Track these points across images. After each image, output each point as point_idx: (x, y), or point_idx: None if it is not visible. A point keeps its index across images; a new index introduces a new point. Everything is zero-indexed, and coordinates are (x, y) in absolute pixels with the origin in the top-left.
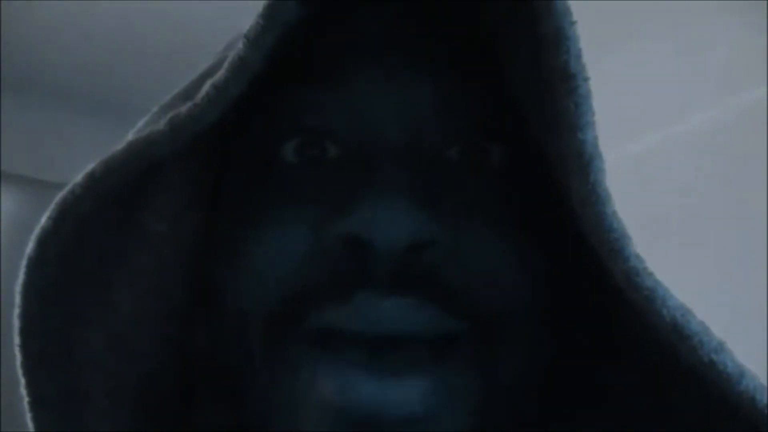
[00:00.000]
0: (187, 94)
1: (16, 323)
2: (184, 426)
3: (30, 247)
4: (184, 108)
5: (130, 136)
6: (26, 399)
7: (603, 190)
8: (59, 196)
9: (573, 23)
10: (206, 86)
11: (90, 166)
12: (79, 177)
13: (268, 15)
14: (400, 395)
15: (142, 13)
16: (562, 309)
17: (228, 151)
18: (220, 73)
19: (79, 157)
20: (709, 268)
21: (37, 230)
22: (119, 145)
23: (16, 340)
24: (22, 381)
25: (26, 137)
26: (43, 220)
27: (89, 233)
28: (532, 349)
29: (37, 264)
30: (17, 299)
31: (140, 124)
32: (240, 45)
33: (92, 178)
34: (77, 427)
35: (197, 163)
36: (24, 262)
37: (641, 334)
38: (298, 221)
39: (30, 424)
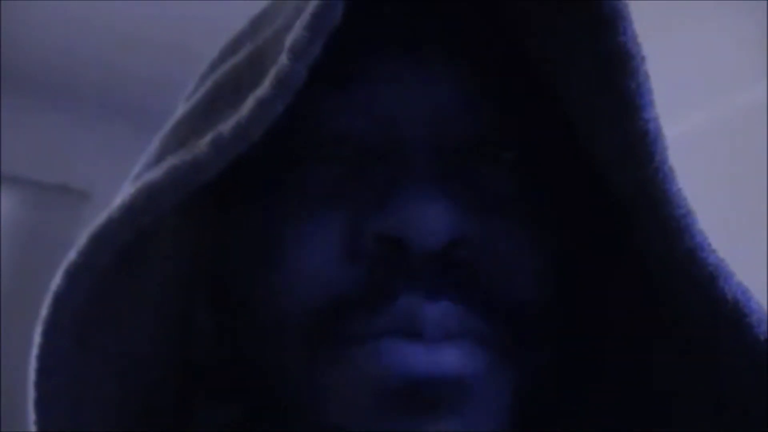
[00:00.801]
0: (213, 109)
1: (33, 362)
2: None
3: (57, 283)
4: (225, 128)
5: (155, 159)
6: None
7: (669, 168)
8: (92, 230)
9: (627, 4)
10: (249, 103)
11: (126, 198)
12: (115, 209)
13: (315, 25)
14: (449, 358)
15: (146, 14)
16: (579, 300)
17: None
18: (265, 89)
19: (80, 159)
20: None
21: (66, 265)
22: (157, 173)
23: (33, 378)
24: (32, 416)
25: (27, 139)
26: (73, 255)
27: (118, 263)
28: (555, 339)
29: (65, 300)
30: (37, 338)
31: (155, 144)
32: (285, 59)
33: (133, 211)
34: None
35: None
36: (49, 300)
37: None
38: (331, 221)
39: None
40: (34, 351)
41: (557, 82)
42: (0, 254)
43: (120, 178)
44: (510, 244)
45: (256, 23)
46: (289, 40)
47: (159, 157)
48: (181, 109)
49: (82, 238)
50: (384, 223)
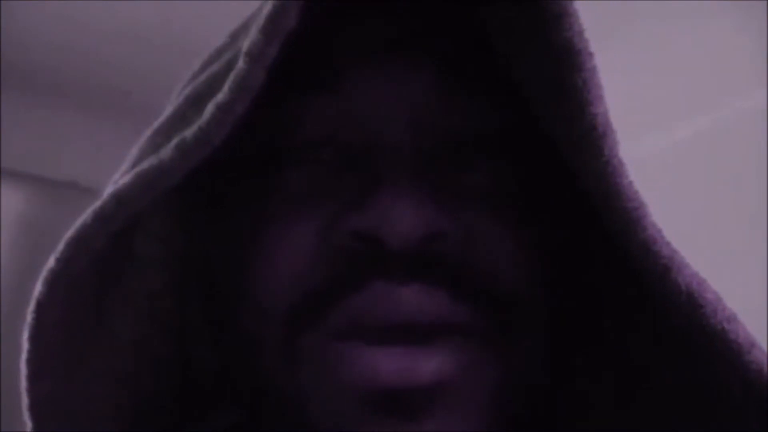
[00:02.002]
0: (183, 114)
1: (23, 368)
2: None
3: (39, 290)
4: (189, 133)
5: (129, 166)
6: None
7: (618, 161)
8: (68, 236)
9: (573, 2)
10: (210, 108)
11: (98, 203)
12: (87, 215)
13: (270, 28)
14: (428, 362)
15: (147, 9)
16: (566, 289)
17: (223, 159)
18: (224, 93)
19: (80, 155)
20: (707, 273)
21: (45, 272)
22: (126, 178)
23: (24, 384)
24: (28, 422)
25: (27, 134)
26: (52, 261)
27: (96, 269)
28: (542, 330)
29: (47, 306)
30: (25, 344)
31: (134, 151)
32: (241, 63)
33: (103, 216)
34: None
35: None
36: (32, 306)
37: (651, 309)
38: (309, 220)
39: None
40: (23, 356)
41: (521, 78)
42: (1, 251)
43: None
44: (491, 237)
45: (235, 35)
46: (246, 44)
47: (134, 164)
48: (160, 118)
49: (59, 245)
50: (359, 222)
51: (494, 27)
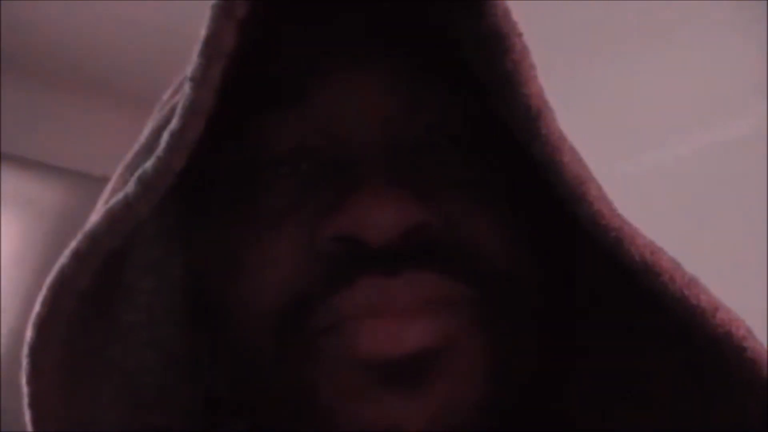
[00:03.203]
0: (149, 146)
1: (27, 412)
2: None
3: (29, 335)
4: (148, 164)
5: (103, 203)
6: None
7: (557, 139)
8: (48, 280)
9: None
10: (164, 136)
11: (73, 244)
12: (65, 256)
13: (206, 52)
14: (413, 332)
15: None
16: (550, 269)
17: (203, 175)
18: (175, 121)
19: (80, 141)
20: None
21: (33, 318)
22: (96, 216)
23: (30, 427)
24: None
25: (27, 119)
26: (37, 306)
27: (85, 307)
28: (529, 306)
29: (40, 350)
30: (24, 388)
31: (109, 185)
32: (187, 88)
33: (79, 257)
34: None
35: (170, 204)
36: (25, 351)
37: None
38: (292, 232)
39: None
40: (25, 400)
41: (473, 70)
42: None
43: None
44: (472, 221)
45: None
46: (188, 69)
47: (107, 201)
48: (130, 152)
49: (43, 289)
50: (338, 226)
51: (435, 20)
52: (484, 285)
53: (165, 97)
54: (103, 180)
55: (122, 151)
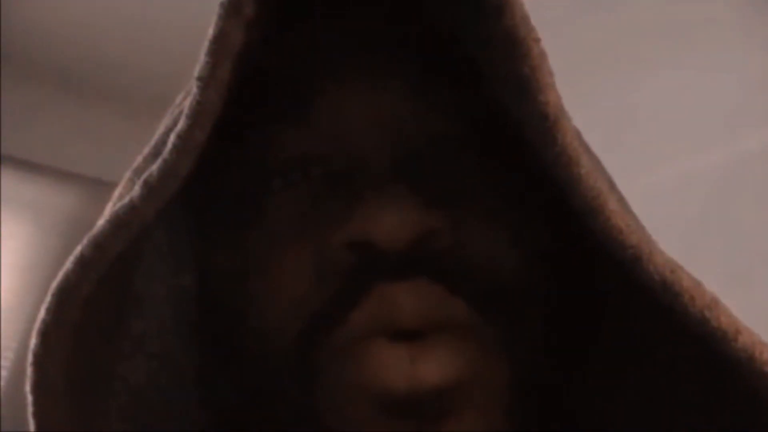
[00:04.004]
0: (156, 150)
1: (30, 422)
2: None
3: (34, 343)
4: (155, 167)
5: (110, 207)
6: None
7: (573, 150)
8: (53, 286)
9: None
10: (171, 138)
11: (78, 250)
12: (70, 262)
13: (214, 50)
14: (432, 367)
15: None
16: (563, 285)
17: (212, 184)
18: (182, 122)
19: (84, 143)
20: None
21: (38, 325)
22: (102, 221)
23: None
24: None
25: (28, 121)
26: (42, 313)
27: (91, 315)
28: (542, 326)
29: (44, 358)
30: (29, 398)
31: (117, 190)
32: (194, 88)
33: (83, 262)
34: None
35: (180, 214)
36: (30, 359)
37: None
38: (304, 242)
39: None
40: (29, 410)
41: (483, 74)
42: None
43: None
44: (481, 230)
45: None
46: (196, 69)
47: (114, 204)
48: (138, 157)
49: (48, 295)
50: (349, 232)
51: (446, 25)
52: (492, 302)
53: (177, 100)
54: (108, 184)
55: (126, 154)
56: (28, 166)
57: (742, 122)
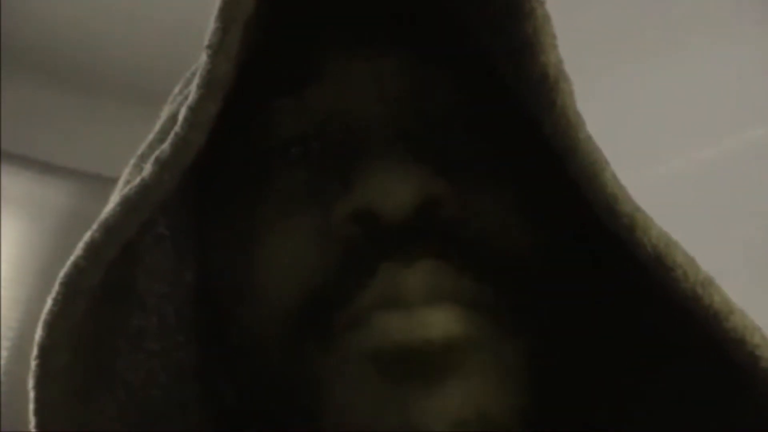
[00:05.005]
0: (164, 132)
1: (31, 419)
2: None
3: (39, 334)
4: (166, 144)
5: (116, 194)
6: None
7: (573, 113)
8: (62, 273)
9: None
10: (183, 112)
11: (87, 235)
12: (78, 249)
13: (224, 16)
14: (434, 320)
15: None
16: (571, 258)
17: (214, 170)
18: (193, 94)
19: (84, 140)
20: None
21: (44, 316)
22: (111, 205)
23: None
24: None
25: (29, 117)
26: (49, 303)
27: (96, 307)
28: (551, 299)
29: (51, 351)
30: (31, 393)
31: (122, 178)
32: (204, 57)
33: (93, 248)
34: None
35: (180, 204)
36: (35, 352)
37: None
38: (306, 217)
39: None
40: (30, 406)
41: (480, 39)
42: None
43: None
44: (488, 202)
45: None
46: (206, 38)
47: (122, 189)
48: (143, 143)
49: (55, 285)
50: (352, 203)
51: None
52: (505, 271)
53: (176, 90)
54: (108, 180)
55: (128, 151)
56: (27, 162)
57: (750, 112)
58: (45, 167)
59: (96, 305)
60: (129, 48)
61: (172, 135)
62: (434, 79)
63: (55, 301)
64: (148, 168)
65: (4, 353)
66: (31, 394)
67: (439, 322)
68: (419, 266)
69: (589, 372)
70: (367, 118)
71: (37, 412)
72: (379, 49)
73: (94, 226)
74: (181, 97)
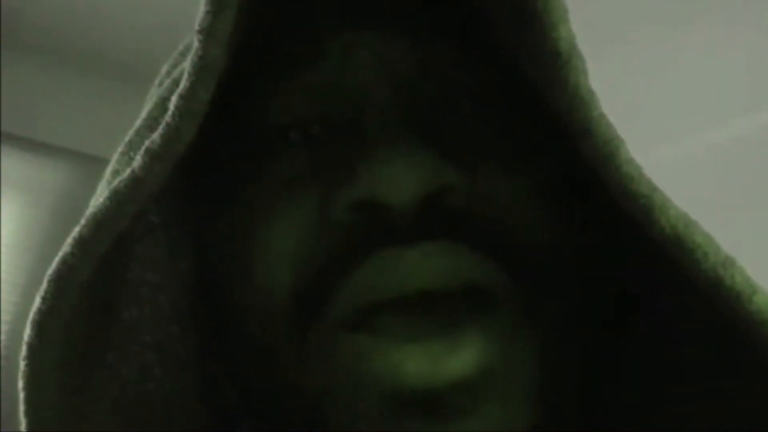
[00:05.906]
0: (153, 120)
1: (23, 420)
2: None
3: (28, 334)
4: (156, 134)
5: (104, 184)
6: None
7: (587, 91)
8: (51, 270)
9: None
10: (173, 101)
11: (76, 230)
12: (68, 244)
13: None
14: (456, 356)
15: None
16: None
17: (210, 156)
18: (184, 81)
19: (83, 120)
20: None
21: (32, 314)
22: (101, 198)
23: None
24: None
25: (27, 98)
26: (38, 301)
27: (87, 302)
28: (571, 296)
29: (40, 350)
30: (21, 394)
31: (109, 166)
32: (195, 42)
33: (83, 244)
34: None
35: (171, 192)
36: (24, 352)
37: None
38: (305, 201)
39: None
40: (21, 407)
41: (489, 17)
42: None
43: None
44: (503, 185)
45: None
46: (196, 22)
47: (109, 184)
48: (130, 132)
49: (44, 282)
50: (354, 192)
51: None
52: (517, 265)
53: (163, 71)
54: (105, 161)
55: (124, 132)
56: (27, 144)
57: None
58: (45, 149)
59: (88, 298)
60: (130, 29)
61: (162, 124)
62: (442, 59)
63: (44, 299)
64: (138, 159)
65: (3, 336)
66: (21, 395)
67: (456, 362)
68: (421, 247)
69: (600, 370)
70: (371, 98)
71: (28, 413)
72: (382, 27)
73: (83, 221)
74: (168, 79)
